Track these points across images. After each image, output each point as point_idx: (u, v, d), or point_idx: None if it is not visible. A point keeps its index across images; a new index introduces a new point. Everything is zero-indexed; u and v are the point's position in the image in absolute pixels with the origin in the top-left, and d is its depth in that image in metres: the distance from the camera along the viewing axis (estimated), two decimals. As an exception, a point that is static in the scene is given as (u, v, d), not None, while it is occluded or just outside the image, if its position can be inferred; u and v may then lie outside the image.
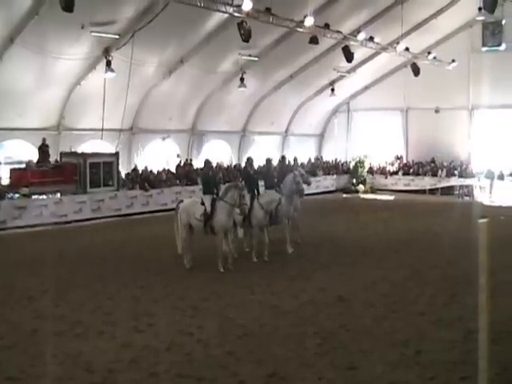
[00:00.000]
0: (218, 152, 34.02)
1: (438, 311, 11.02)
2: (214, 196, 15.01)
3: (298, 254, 16.79)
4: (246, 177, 18.00)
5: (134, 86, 25.25)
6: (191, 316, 10.84)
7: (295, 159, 34.82)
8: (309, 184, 19.66)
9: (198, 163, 31.43)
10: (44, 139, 24.36)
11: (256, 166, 32.71)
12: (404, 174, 37.37)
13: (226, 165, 33.38)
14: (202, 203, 14.87)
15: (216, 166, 30.32)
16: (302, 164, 37.10)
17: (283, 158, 21.42)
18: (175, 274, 14.38)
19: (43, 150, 24.28)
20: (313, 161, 39.42)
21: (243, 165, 26.63)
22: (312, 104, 37.69)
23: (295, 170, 20.10)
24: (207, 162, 16.79)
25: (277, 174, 18.93)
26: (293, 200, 17.53)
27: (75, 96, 25.12)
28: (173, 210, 16.61)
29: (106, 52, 23.81)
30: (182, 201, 15.93)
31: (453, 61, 33.75)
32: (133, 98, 26.19)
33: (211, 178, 15.88)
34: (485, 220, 5.38)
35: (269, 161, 19.92)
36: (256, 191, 16.61)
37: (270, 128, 36.75)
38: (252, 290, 12.77)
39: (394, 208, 29.11)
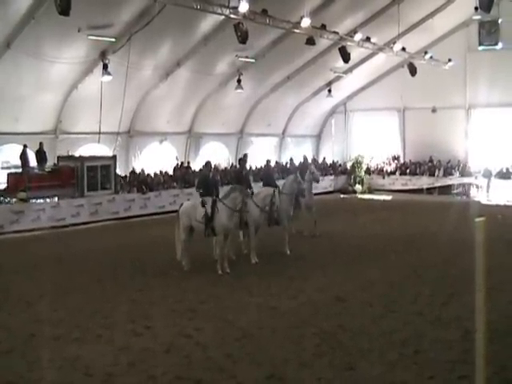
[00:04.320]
0: (216, 154, 33.97)
1: (436, 311, 11.03)
2: (215, 197, 15.01)
3: (296, 254, 16.80)
4: (238, 176, 18.01)
5: (131, 89, 25.25)
6: (189, 318, 10.83)
7: (291, 160, 34.95)
8: (317, 181, 21.36)
9: (195, 165, 31.44)
10: (41, 144, 24.29)
11: (254, 167, 33.26)
12: (401, 174, 37.40)
13: (223, 167, 33.37)
14: (203, 205, 14.89)
15: (213, 168, 30.30)
16: (314, 161, 37.08)
17: (294, 159, 21.77)
18: (173, 276, 14.38)
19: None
20: (310, 162, 39.40)
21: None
22: (309, 105, 37.72)
23: (309, 166, 20.96)
24: (208, 164, 16.69)
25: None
26: (293, 200, 17.60)
27: (72, 100, 25.11)
28: (171, 212, 16.62)
29: (103, 55, 23.80)
30: (182, 204, 15.92)
31: (449, 60, 33.80)
32: (130, 101, 26.16)
33: (211, 181, 15.87)
34: (481, 219, 5.39)
35: (268, 162, 20.66)
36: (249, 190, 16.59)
37: (267, 130, 36.73)
38: (250, 291, 12.78)
39: (392, 208, 29.17)
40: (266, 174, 19.39)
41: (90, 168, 25.01)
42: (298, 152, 38.50)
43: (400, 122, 38.61)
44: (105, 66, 23.76)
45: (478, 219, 5.40)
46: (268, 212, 16.47)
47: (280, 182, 18.80)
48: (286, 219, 17.25)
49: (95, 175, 25.27)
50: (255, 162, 32.55)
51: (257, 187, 17.98)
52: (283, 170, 31.75)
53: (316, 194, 34.70)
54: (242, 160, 19.18)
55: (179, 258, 15.17)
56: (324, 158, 40.37)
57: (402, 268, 15.01)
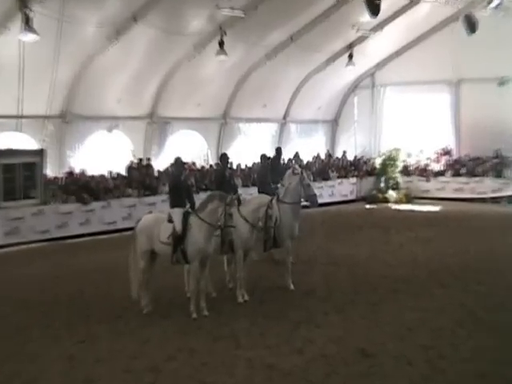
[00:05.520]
0: (189, 147, 34.01)
1: (504, 371, 11.08)
2: (188, 209, 15.10)
3: (303, 289, 16.88)
4: (219, 179, 18.12)
5: (67, 55, 25.19)
6: (151, 382, 10.89)
7: (296, 155, 35.07)
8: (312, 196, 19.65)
9: (159, 163, 31.44)
10: None
11: (243, 166, 33.34)
12: (454, 175, 37.51)
13: (199, 165, 33.39)
14: (170, 220, 14.97)
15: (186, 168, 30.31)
16: (308, 163, 37.17)
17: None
18: (128, 322, 14.41)
19: None
20: (323, 158, 39.49)
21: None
22: (321, 78, 37.82)
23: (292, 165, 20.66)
24: (178, 162, 16.69)
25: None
26: (299, 212, 17.68)
27: (-23, 68, 25.08)
28: (124, 230, 16.66)
29: (24, 4, 23.74)
30: (141, 219, 15.90)
31: (526, 9, 33.82)
32: (65, 71, 26.09)
33: (183, 185, 15.88)
34: None
35: (264, 158, 20.66)
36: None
37: (261, 113, 36.93)
38: (237, 342, 12.84)
39: (440, 223, 29.17)
40: (261, 175, 19.46)
41: (7, 167, 25.03)
42: (305, 144, 38.61)
43: (452, 101, 38.79)
44: (27, 20, 23.66)
45: None
46: (262, 229, 16.50)
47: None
48: (288, 239, 17.34)
49: (14, 178, 25.28)
50: (245, 158, 32.60)
51: (246, 194, 18.02)
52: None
53: (332, 204, 35.07)
54: (225, 157, 19.28)
55: (135, 296, 15.19)
56: (344, 153, 40.47)
57: (453, 309, 15.03)
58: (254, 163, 33.38)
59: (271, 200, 16.68)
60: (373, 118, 40.81)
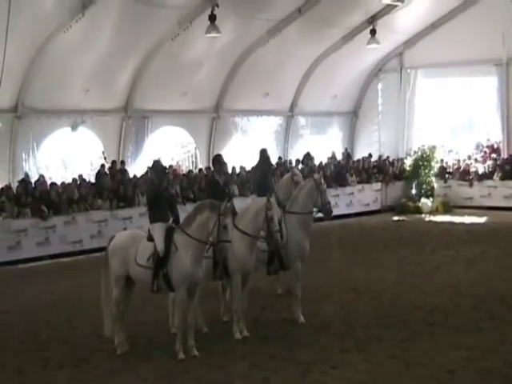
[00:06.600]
0: (173, 147, 34.01)
1: None
2: (172, 224, 15.04)
3: (316, 323, 16.77)
4: (211, 188, 18.03)
5: (19, 33, 25.21)
6: None
7: (308, 157, 35.00)
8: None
9: (137, 168, 31.40)
10: None
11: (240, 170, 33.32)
12: (504, 179, 37.40)
13: (185, 170, 33.37)
14: (150, 238, 14.89)
15: (170, 173, 30.30)
16: (321, 166, 37.09)
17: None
18: (97, 366, 14.23)
19: None
20: (340, 158, 39.40)
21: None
22: (337, 59, 37.89)
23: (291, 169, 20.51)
24: (157, 167, 16.57)
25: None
26: (310, 225, 17.60)
27: None
28: (93, 251, 16.55)
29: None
30: (114, 236, 15.82)
31: None
32: (17, 53, 26.09)
33: (165, 195, 15.74)
34: None
35: (265, 156, 20.36)
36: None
37: (263, 104, 37.03)
38: (234, 390, 12.75)
39: (487, 239, 29.08)
40: (261, 176, 19.41)
41: None
42: (318, 142, 38.58)
43: (500, 86, 38.63)
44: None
45: None
46: (267, 239, 16.16)
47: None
48: (298, 260, 17.19)
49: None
50: (243, 160, 32.61)
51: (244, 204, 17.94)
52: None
53: (350, 216, 34.94)
54: (219, 159, 19.19)
55: (108, 333, 15.11)
56: (370, 156, 40.39)
57: (505, 347, 14.78)
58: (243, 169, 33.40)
59: (268, 200, 16.14)
60: (401, 108, 40.71)
